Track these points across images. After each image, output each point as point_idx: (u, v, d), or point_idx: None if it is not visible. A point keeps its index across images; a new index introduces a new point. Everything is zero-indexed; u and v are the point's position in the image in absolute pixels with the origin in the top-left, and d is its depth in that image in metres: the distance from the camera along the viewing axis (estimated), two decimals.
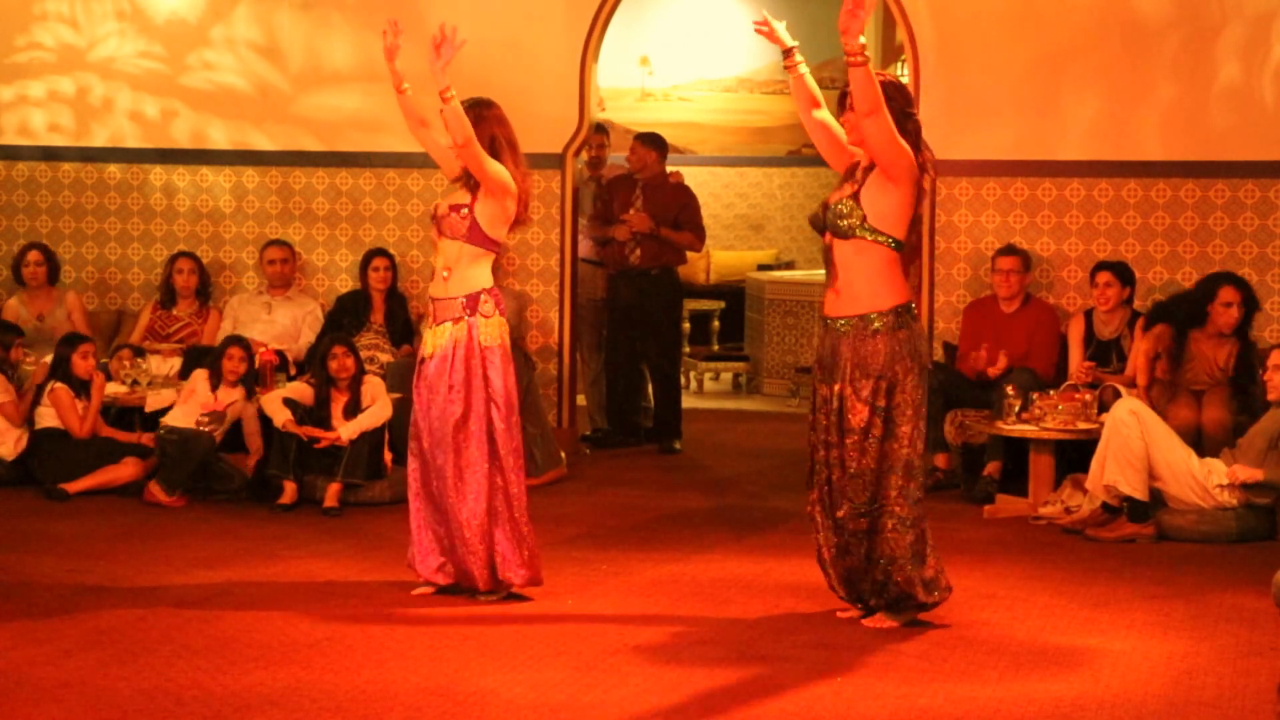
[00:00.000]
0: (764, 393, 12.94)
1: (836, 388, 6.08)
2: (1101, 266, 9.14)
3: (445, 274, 6.54)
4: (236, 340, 9.03)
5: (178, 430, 8.66)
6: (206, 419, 8.73)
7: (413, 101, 6.62)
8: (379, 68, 10.30)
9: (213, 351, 9.16)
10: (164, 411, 9.15)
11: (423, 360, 6.60)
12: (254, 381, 8.93)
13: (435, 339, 6.55)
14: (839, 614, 6.31)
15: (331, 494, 8.45)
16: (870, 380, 6.04)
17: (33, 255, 10.20)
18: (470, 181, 6.56)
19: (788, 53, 6.14)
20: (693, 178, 12.27)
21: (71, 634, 5.96)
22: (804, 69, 6.17)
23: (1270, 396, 8.05)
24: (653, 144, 10.73)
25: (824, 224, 6.16)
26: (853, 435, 6.07)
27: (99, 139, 10.69)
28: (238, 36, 10.54)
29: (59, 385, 8.90)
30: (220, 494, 8.61)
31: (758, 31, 6.16)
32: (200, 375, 8.91)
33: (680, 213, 10.61)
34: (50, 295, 10.22)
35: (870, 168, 6.08)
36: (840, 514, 6.12)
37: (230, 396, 8.82)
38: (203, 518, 8.27)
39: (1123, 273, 9.10)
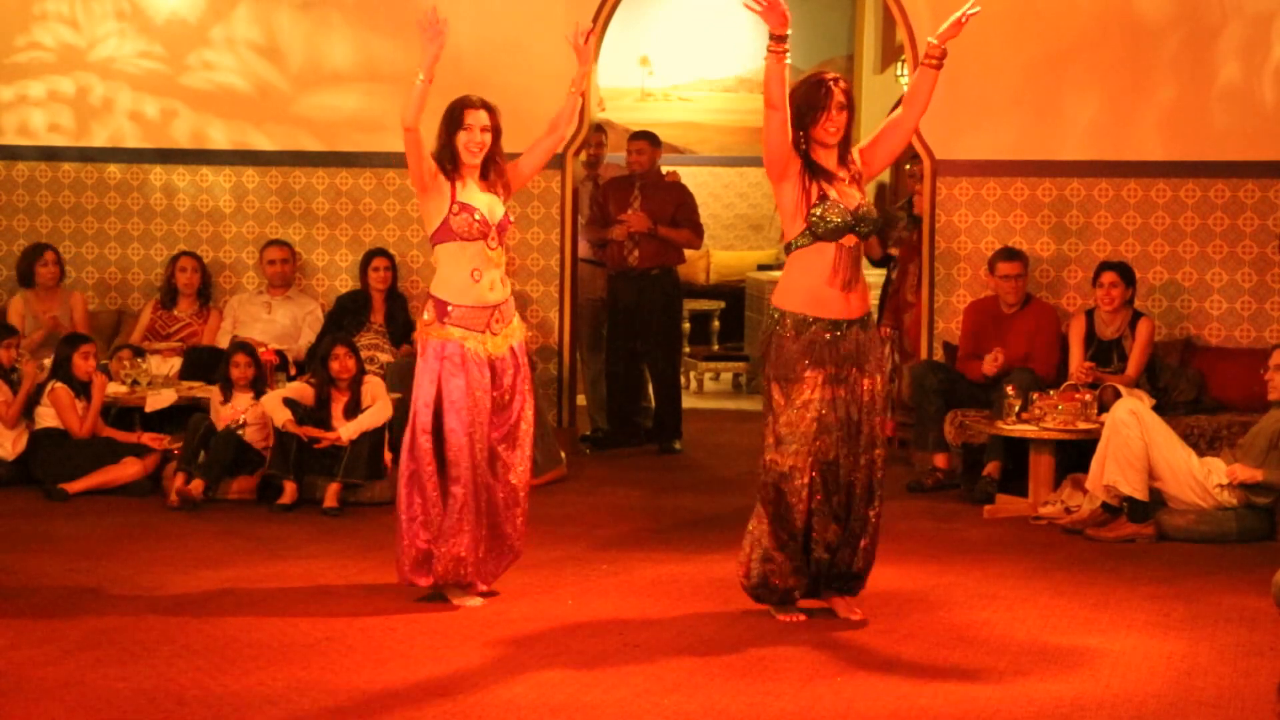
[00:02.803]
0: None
1: (866, 383, 6.19)
2: (1106, 266, 9.14)
3: (504, 283, 6.53)
4: (240, 347, 9.02)
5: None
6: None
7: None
8: (379, 68, 10.42)
9: (219, 361, 9.14)
10: (164, 412, 9.16)
11: (481, 361, 6.47)
12: (263, 383, 8.91)
13: (509, 338, 6.54)
14: (782, 618, 6.29)
15: (331, 494, 8.45)
16: (881, 374, 6.28)
17: (49, 255, 10.19)
18: (501, 183, 6.56)
19: (783, 38, 6.04)
20: (693, 178, 12.28)
21: (71, 634, 5.95)
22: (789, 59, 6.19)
23: (1271, 396, 8.05)
24: (655, 142, 10.76)
25: (844, 230, 6.15)
26: (874, 425, 6.25)
27: (99, 139, 10.69)
28: (238, 36, 10.54)
29: (59, 385, 8.91)
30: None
31: (754, 8, 5.99)
32: (213, 394, 8.93)
33: (678, 210, 10.61)
34: (56, 295, 10.21)
35: (858, 175, 6.23)
36: (863, 510, 6.25)
37: (246, 401, 8.83)
38: (203, 518, 8.27)
39: (1126, 273, 9.10)
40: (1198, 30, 9.56)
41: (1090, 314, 9.18)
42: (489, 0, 10.27)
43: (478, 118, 6.47)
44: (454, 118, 6.48)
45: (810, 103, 6.17)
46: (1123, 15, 9.63)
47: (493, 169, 6.53)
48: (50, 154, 10.74)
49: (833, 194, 6.15)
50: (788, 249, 6.23)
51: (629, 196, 10.57)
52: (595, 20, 10.10)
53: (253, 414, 8.78)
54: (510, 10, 10.17)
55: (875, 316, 6.44)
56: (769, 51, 6.04)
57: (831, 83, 6.17)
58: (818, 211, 6.11)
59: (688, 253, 10.98)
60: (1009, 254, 9.40)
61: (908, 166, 10.53)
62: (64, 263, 10.34)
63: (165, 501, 8.52)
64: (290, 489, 8.50)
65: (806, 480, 6.15)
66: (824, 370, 6.13)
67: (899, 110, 6.41)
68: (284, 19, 10.50)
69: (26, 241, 10.64)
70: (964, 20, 6.22)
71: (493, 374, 6.48)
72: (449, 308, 6.43)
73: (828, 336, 6.13)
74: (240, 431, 8.70)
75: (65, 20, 10.68)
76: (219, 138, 10.59)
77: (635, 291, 10.52)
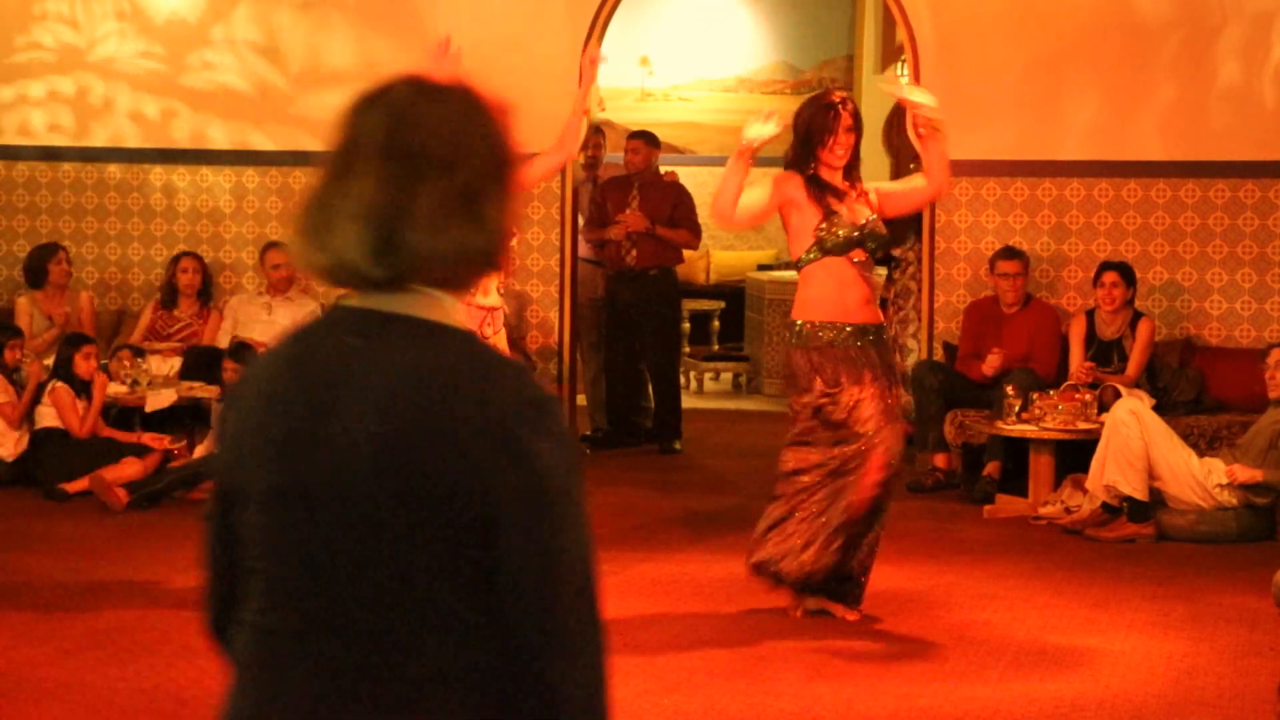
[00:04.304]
0: (764, 393, 12.92)
1: (892, 391, 6.27)
2: (1107, 266, 9.13)
3: (496, 289, 6.56)
4: (232, 351, 9.04)
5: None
6: None
7: None
8: (379, 68, 10.39)
9: (220, 362, 9.17)
10: (164, 412, 9.16)
11: None
12: None
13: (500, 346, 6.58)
14: (793, 613, 6.30)
15: None
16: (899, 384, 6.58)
17: (62, 254, 10.17)
18: None
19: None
20: (693, 178, 12.27)
21: (71, 634, 5.95)
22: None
23: (1271, 395, 8.05)
24: (654, 142, 10.76)
25: (853, 245, 6.18)
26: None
27: (99, 139, 10.69)
28: (238, 36, 10.54)
29: (60, 385, 8.91)
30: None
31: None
32: (213, 394, 8.96)
33: (675, 210, 10.61)
34: (65, 295, 10.20)
35: (863, 194, 6.26)
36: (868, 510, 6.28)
37: None
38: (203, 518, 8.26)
39: (1127, 273, 9.11)
40: (1198, 30, 9.56)
41: (1091, 314, 9.18)
42: (489, 0, 10.26)
43: None
44: None
45: (818, 126, 6.13)
46: (1122, 15, 9.63)
47: None
48: (50, 154, 10.74)
49: (842, 210, 6.15)
50: (797, 265, 6.24)
51: (627, 196, 10.57)
52: (595, 20, 10.11)
53: None
54: (510, 10, 10.17)
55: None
56: (744, 156, 6.01)
57: (840, 105, 6.15)
58: (825, 227, 6.11)
59: (687, 253, 10.98)
60: (1009, 253, 9.40)
61: (911, 166, 10.54)
62: (71, 261, 10.34)
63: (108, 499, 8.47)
64: None
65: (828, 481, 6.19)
66: (861, 374, 6.15)
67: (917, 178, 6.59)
68: (284, 19, 10.50)
69: (27, 242, 10.64)
70: (919, 122, 6.28)
71: None
72: None
73: (860, 344, 6.15)
74: None
75: (65, 20, 10.68)
76: (219, 138, 10.58)
77: (634, 291, 10.52)
